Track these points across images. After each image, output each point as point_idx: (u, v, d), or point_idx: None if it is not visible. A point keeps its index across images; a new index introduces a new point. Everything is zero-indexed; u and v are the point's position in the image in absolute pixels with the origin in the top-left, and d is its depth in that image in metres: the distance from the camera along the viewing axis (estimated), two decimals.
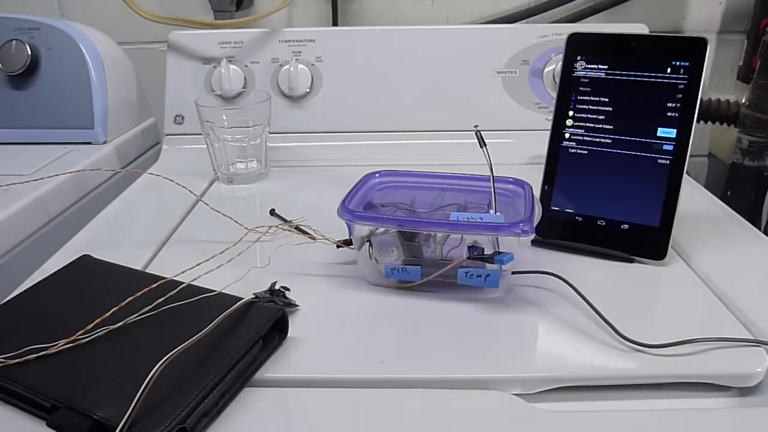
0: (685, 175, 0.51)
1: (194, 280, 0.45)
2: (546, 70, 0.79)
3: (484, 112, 0.79)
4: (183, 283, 0.43)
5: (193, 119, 0.72)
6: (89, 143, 0.81)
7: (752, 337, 0.41)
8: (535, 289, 0.48)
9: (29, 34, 0.80)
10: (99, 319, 0.39)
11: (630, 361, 0.39)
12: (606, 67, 0.54)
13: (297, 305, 0.45)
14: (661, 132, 0.51)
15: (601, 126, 0.54)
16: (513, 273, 0.47)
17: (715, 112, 0.84)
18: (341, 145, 0.80)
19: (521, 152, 0.73)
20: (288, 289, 0.46)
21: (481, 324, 0.44)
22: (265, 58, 0.82)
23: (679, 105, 0.51)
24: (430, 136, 0.80)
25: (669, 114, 0.51)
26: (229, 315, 0.39)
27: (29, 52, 0.79)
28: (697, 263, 0.52)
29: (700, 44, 0.50)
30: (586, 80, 0.54)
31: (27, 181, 0.65)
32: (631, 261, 0.52)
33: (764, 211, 0.84)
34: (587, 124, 0.54)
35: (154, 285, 0.42)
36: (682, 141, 0.51)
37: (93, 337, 0.39)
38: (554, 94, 0.57)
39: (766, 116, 0.80)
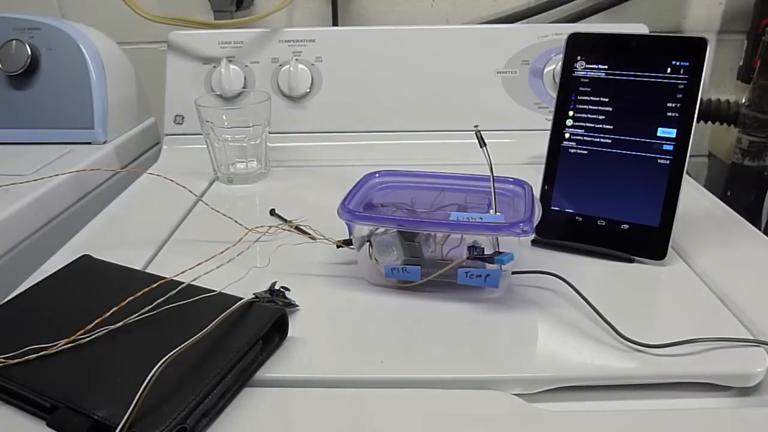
0: (685, 175, 0.51)
1: (194, 280, 0.45)
2: (546, 70, 0.79)
3: (484, 112, 0.79)
4: (183, 283, 0.43)
5: (193, 119, 0.72)
6: (89, 143, 0.81)
7: (752, 337, 0.41)
8: (535, 289, 0.48)
9: (29, 34, 0.81)
10: (99, 319, 0.39)
11: (630, 361, 0.39)
12: (606, 67, 0.54)
13: (297, 305, 0.45)
14: (661, 132, 0.51)
15: (601, 126, 0.54)
16: (513, 273, 0.47)
17: (715, 112, 0.84)
18: (341, 145, 0.80)
19: (521, 152, 0.73)
20: (288, 289, 0.46)
21: (481, 324, 0.44)
22: (265, 58, 0.82)
23: (679, 105, 0.51)
24: (430, 136, 0.80)
25: (669, 114, 0.51)
26: (229, 315, 0.39)
27: (29, 52, 0.79)
28: (697, 263, 0.52)
29: (700, 44, 0.50)
30: (586, 80, 0.54)
31: (27, 181, 0.65)
32: (631, 261, 0.52)
33: (764, 211, 0.84)
34: (587, 124, 0.54)
35: (154, 285, 0.42)
36: (682, 141, 0.51)
37: (93, 337, 0.39)
38: (554, 94, 0.57)
39: (766, 116, 0.80)
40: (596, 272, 0.51)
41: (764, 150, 0.82)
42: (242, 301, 0.41)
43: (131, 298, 0.41)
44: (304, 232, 0.56)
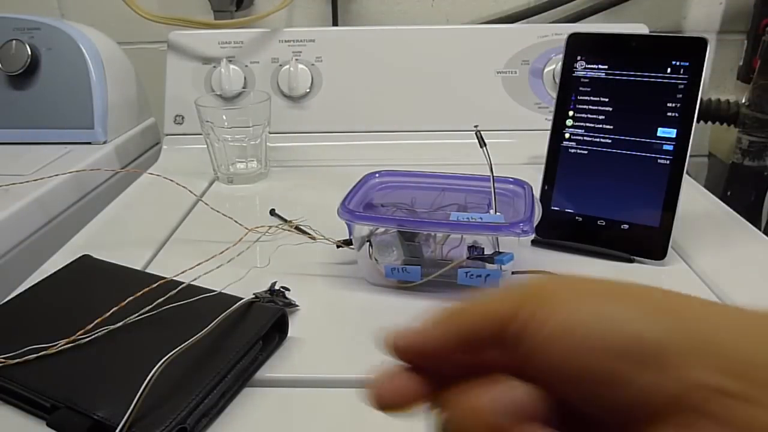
0: (685, 175, 0.51)
1: (194, 280, 0.45)
2: (546, 70, 0.79)
3: (484, 112, 0.79)
4: (183, 283, 0.43)
5: (193, 119, 0.72)
6: (89, 143, 0.81)
7: None
8: None
9: (29, 34, 0.80)
10: (99, 319, 0.39)
11: None
12: (606, 67, 0.54)
13: (297, 305, 0.45)
14: (661, 132, 0.51)
15: (601, 126, 0.54)
16: (513, 273, 0.47)
17: (715, 112, 0.84)
18: (341, 145, 0.80)
19: (521, 152, 0.73)
20: (288, 289, 0.46)
21: None
22: (265, 58, 0.82)
23: (679, 105, 0.51)
24: (430, 136, 0.80)
25: (669, 114, 0.51)
26: (229, 315, 0.39)
27: (29, 52, 0.79)
28: (697, 263, 0.52)
29: (700, 44, 0.50)
30: (586, 80, 0.54)
31: (27, 181, 0.65)
32: (631, 261, 0.52)
33: (764, 211, 0.84)
34: (587, 124, 0.54)
35: (154, 285, 0.42)
36: (682, 141, 0.51)
37: (93, 337, 0.39)
38: (554, 94, 0.57)
39: (766, 116, 0.80)
40: (596, 272, 0.51)
41: (764, 150, 0.82)
42: (242, 301, 0.41)
43: (131, 298, 0.41)
44: (304, 232, 0.56)
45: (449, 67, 0.80)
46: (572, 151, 0.55)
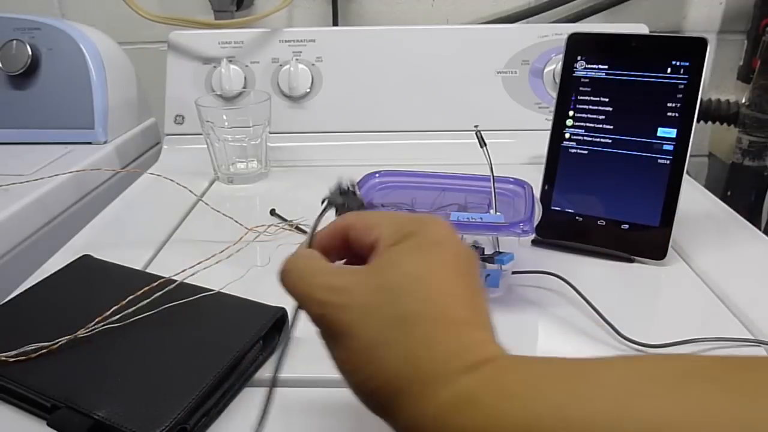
0: (685, 175, 0.51)
1: (193, 277, 0.45)
2: (546, 70, 0.79)
3: (484, 112, 0.79)
4: (183, 282, 0.43)
5: (193, 119, 0.72)
6: (89, 143, 0.81)
7: (752, 337, 0.41)
8: (535, 289, 0.48)
9: (29, 34, 0.80)
10: (99, 318, 0.39)
11: None
12: (606, 67, 0.54)
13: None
14: (661, 132, 0.51)
15: (601, 126, 0.54)
16: (513, 273, 0.47)
17: (715, 112, 0.84)
18: (341, 145, 0.80)
19: (521, 152, 0.73)
20: (359, 187, 0.38)
21: None
22: (265, 58, 0.82)
23: (679, 105, 0.51)
24: (430, 136, 0.80)
25: (669, 114, 0.51)
26: (231, 315, 0.39)
27: (29, 52, 0.79)
28: (697, 263, 0.52)
29: (700, 44, 0.50)
30: (586, 80, 0.54)
31: (27, 181, 0.65)
32: (631, 261, 0.52)
33: (764, 211, 0.84)
34: (587, 124, 0.54)
35: (154, 284, 0.42)
36: (682, 141, 0.51)
37: (93, 335, 0.39)
38: (554, 94, 0.57)
39: (766, 116, 0.80)
40: (596, 272, 0.51)
41: (764, 150, 0.82)
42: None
43: (131, 297, 0.41)
44: (305, 232, 0.56)
45: (449, 67, 0.80)
46: (572, 151, 0.55)
